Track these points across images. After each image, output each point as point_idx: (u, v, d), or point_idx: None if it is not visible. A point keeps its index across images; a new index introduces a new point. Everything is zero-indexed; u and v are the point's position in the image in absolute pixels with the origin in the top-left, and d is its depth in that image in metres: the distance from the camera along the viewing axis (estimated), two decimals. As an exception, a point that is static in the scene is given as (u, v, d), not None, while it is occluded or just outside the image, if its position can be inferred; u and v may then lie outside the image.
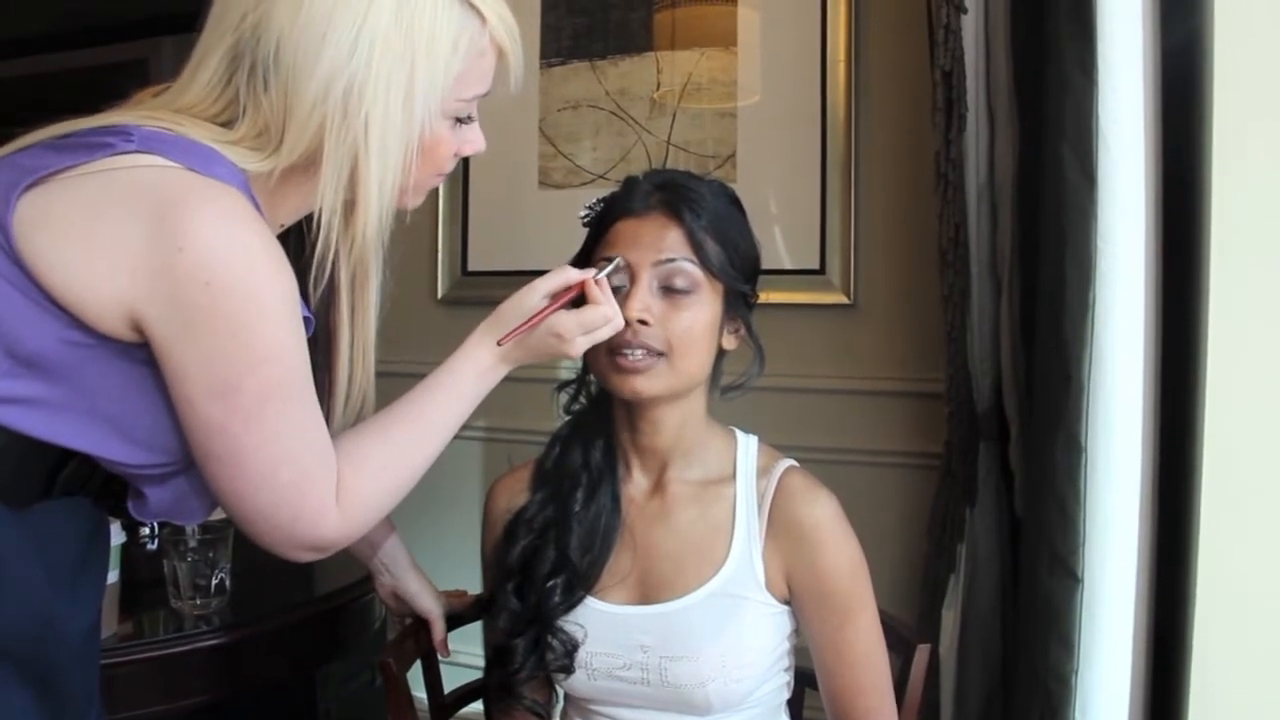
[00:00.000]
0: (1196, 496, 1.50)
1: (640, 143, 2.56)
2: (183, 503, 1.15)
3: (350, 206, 1.13)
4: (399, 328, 1.29)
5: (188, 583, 1.84)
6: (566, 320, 1.30)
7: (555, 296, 1.32)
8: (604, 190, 1.51)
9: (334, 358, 1.23)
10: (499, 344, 1.30)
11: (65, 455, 1.08)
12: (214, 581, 1.85)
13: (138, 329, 1.02)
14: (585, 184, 2.61)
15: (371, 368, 1.26)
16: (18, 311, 1.01)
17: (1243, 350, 1.47)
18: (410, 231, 1.21)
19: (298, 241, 1.19)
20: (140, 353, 1.04)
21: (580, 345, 1.31)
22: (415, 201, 1.22)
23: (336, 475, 1.14)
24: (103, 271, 1.00)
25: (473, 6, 1.14)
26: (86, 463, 1.10)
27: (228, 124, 1.10)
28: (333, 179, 1.10)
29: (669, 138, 2.54)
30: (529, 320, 1.30)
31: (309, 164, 1.11)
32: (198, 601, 1.85)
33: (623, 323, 1.33)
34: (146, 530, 2.13)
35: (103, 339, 1.03)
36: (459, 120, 1.21)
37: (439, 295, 2.79)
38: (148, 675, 1.72)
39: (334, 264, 1.15)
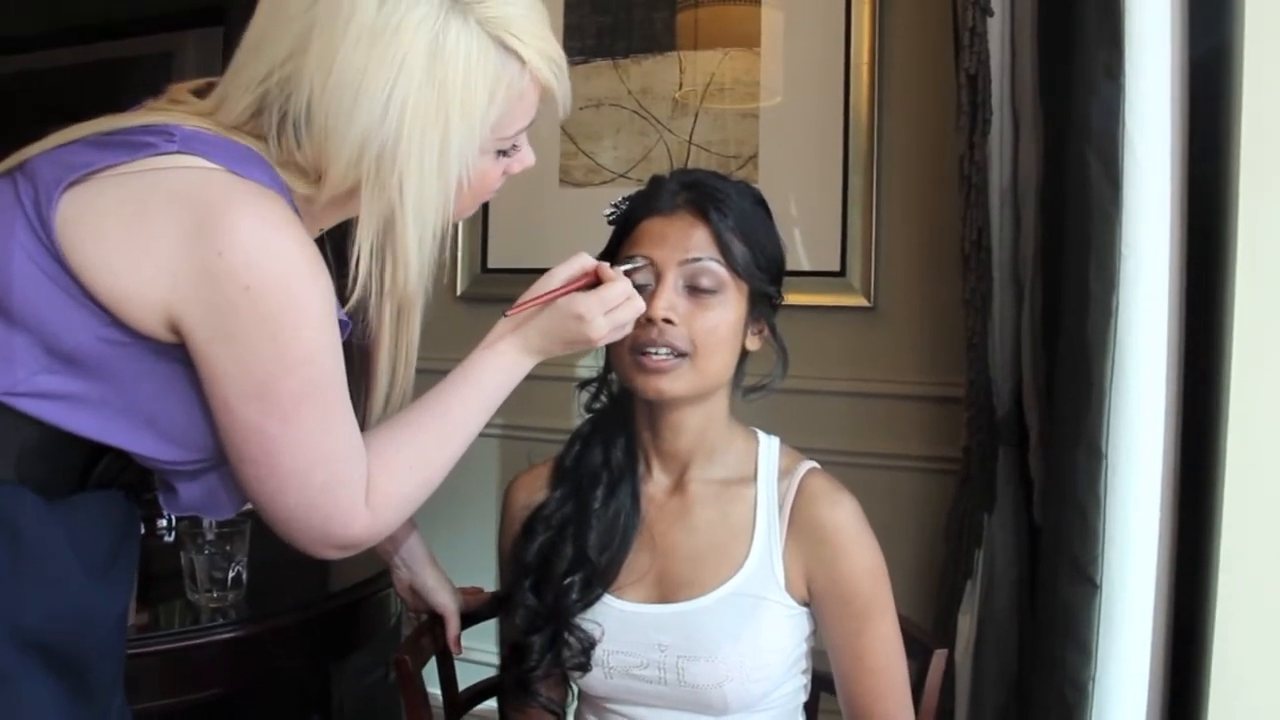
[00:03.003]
0: (1218, 504, 1.50)
1: (662, 142, 2.56)
2: (213, 498, 1.16)
3: (391, 250, 1.13)
4: (418, 324, 1.30)
5: (204, 575, 1.85)
6: (586, 299, 1.29)
7: (571, 282, 1.32)
8: (625, 189, 1.51)
9: (374, 359, 1.23)
10: (505, 314, 1.30)
11: (100, 449, 1.09)
12: (230, 575, 1.86)
13: (175, 330, 1.03)
14: (606, 182, 2.61)
15: (413, 377, 1.26)
16: (58, 308, 1.01)
17: (1266, 357, 1.46)
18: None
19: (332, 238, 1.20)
20: (177, 352, 1.05)
21: (602, 326, 1.29)
22: (463, 218, 1.22)
23: (367, 475, 1.15)
24: (143, 272, 1.00)
25: (510, 50, 1.11)
26: (121, 457, 1.11)
27: (267, 140, 1.11)
28: (370, 233, 1.11)
29: (690, 138, 2.53)
30: (539, 297, 1.30)
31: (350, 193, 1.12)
32: (214, 594, 1.85)
33: (643, 305, 1.33)
34: (164, 522, 2.13)
35: (140, 338, 1.03)
36: (502, 152, 1.21)
37: (459, 292, 2.79)
38: (163, 667, 1.73)
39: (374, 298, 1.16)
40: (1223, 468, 1.49)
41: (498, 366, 1.30)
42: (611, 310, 1.29)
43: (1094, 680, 1.53)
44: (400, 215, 1.10)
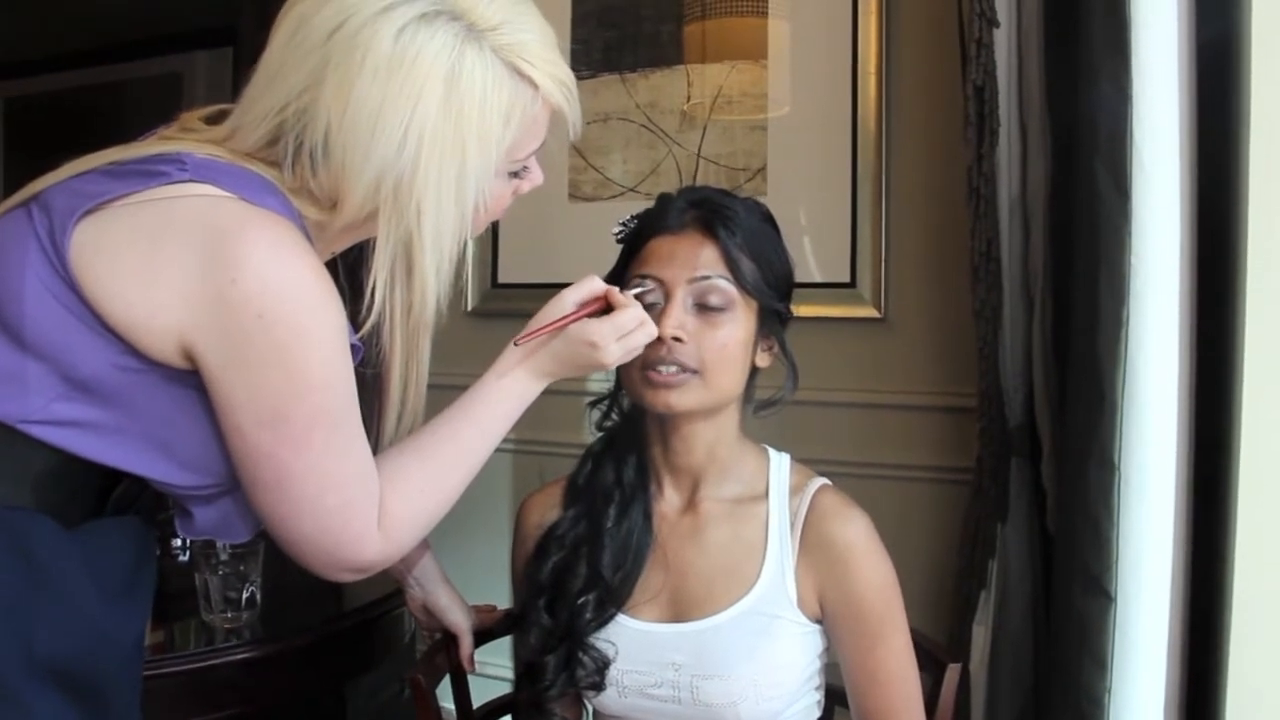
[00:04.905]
0: (1231, 514, 1.49)
1: (670, 155, 2.56)
2: (228, 522, 1.17)
3: (408, 276, 1.14)
4: (428, 340, 1.30)
5: (219, 596, 1.85)
6: (599, 326, 1.29)
7: (583, 306, 1.32)
8: (634, 203, 1.51)
9: (386, 381, 1.24)
10: (515, 343, 1.30)
11: (116, 475, 1.10)
12: (245, 595, 1.86)
13: (189, 357, 1.04)
14: (615, 197, 2.60)
15: (424, 397, 1.27)
16: (73, 336, 1.02)
17: (1278, 366, 1.45)
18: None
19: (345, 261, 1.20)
20: (191, 379, 1.06)
21: (615, 352, 1.30)
22: (474, 237, 1.23)
23: (379, 498, 1.16)
24: (157, 301, 1.01)
25: (523, 75, 1.13)
26: (137, 482, 1.12)
27: (281, 168, 1.11)
28: (387, 259, 1.12)
29: (699, 150, 2.53)
30: (550, 324, 1.30)
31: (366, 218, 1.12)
32: (228, 615, 1.86)
33: (655, 330, 1.33)
34: (178, 543, 2.14)
35: (155, 365, 1.04)
36: (514, 173, 1.22)
37: (469, 308, 2.78)
38: (178, 688, 1.73)
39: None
40: (1235, 477, 1.48)
41: (508, 390, 1.31)
42: (624, 336, 1.30)
43: (1110, 693, 1.53)
44: (418, 242, 1.11)
